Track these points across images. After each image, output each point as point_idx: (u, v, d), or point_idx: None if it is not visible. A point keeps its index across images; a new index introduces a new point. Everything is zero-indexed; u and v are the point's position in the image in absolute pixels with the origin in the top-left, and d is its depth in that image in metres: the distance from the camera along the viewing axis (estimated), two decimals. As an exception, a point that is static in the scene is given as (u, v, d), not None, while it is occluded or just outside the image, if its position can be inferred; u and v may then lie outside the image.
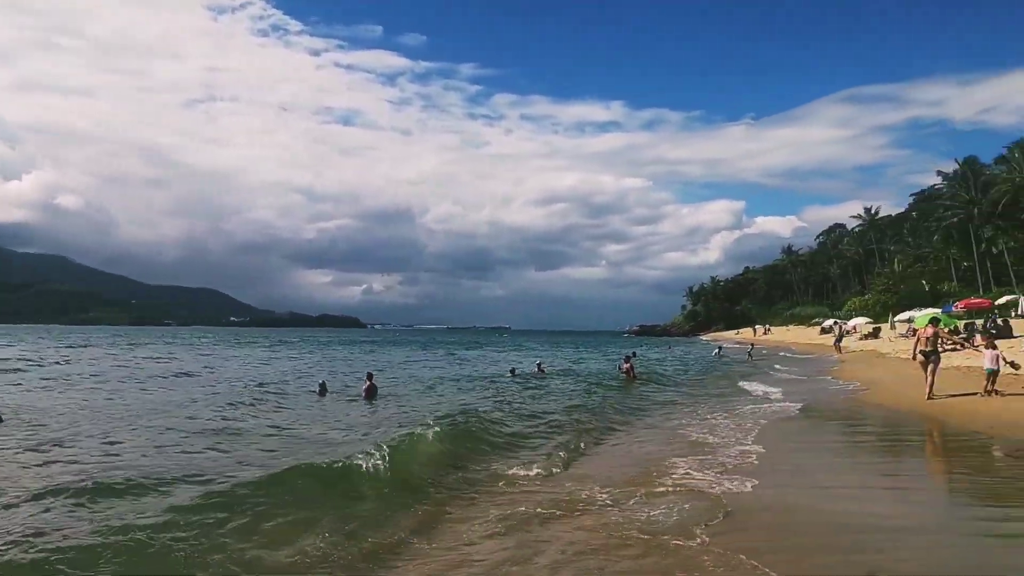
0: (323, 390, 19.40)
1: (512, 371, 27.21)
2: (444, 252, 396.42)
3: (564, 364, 36.49)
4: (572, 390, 21.35)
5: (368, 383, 18.79)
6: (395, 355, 46.96)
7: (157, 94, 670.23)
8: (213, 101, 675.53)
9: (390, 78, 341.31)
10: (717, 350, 47.88)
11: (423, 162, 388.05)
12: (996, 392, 15.43)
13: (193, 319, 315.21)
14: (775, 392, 20.07)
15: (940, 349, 16.81)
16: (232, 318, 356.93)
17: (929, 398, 15.84)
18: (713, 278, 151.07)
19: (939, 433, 12.53)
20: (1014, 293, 49.63)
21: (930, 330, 16.93)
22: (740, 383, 23.61)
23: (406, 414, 15.21)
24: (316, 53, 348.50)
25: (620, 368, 25.95)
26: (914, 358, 16.99)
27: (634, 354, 28.13)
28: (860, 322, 58.80)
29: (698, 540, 6.10)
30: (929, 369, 16.19)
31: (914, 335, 37.67)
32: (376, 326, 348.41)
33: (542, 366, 28.92)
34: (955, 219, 65.26)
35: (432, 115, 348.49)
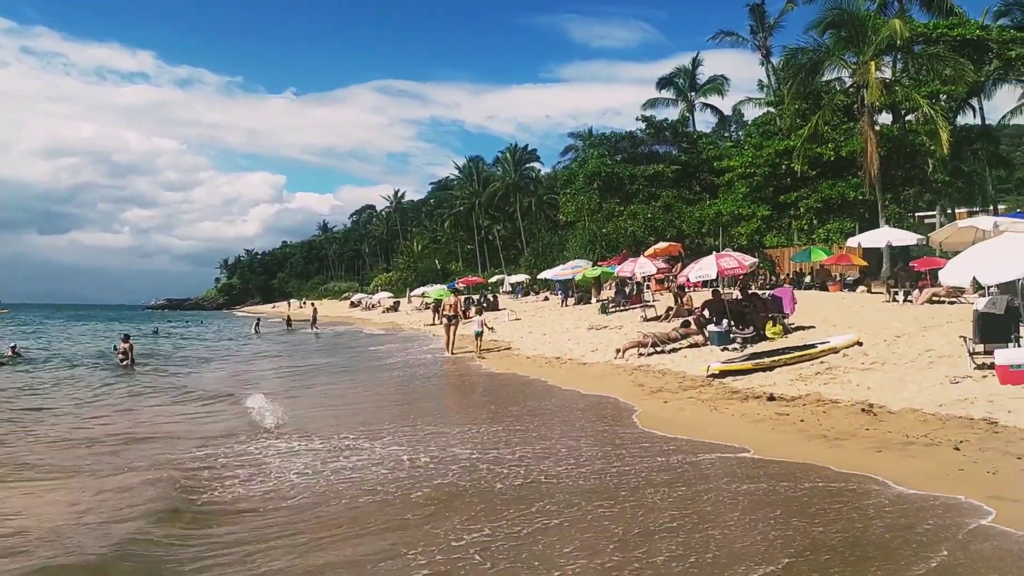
0: None
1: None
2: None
3: (59, 344, 31.73)
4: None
5: None
6: None
7: None
8: None
9: None
10: (256, 322, 47.24)
11: None
12: (481, 351, 19.67)
13: None
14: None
15: (459, 315, 21.77)
16: None
17: (451, 353, 20.43)
18: (249, 251, 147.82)
19: (452, 384, 14.50)
20: (502, 273, 60.04)
21: (453, 299, 22.62)
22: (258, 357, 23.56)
23: None
24: None
25: (117, 349, 22.34)
26: (438, 323, 21.80)
27: (155, 331, 25.66)
28: (383, 296, 64.03)
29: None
30: (452, 331, 20.86)
31: (427, 308, 43.07)
32: None
33: (16, 348, 24.47)
34: (462, 208, 75.91)
35: None
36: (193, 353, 28.31)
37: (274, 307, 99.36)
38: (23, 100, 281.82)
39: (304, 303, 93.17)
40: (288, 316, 53.13)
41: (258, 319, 50.98)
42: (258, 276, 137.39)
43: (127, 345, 21.60)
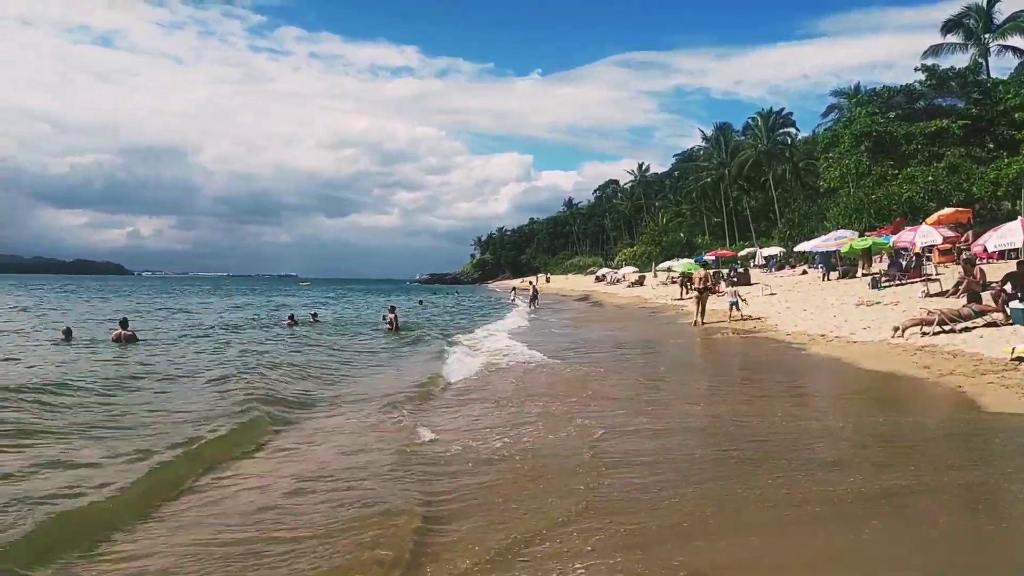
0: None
1: (291, 316, 27.00)
2: (224, 195, 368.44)
3: (345, 314, 36.86)
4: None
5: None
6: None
7: None
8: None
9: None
10: (512, 292, 50.60)
11: (197, 95, 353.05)
12: (735, 324, 20.32)
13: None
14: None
15: (709, 288, 22.20)
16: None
17: (700, 326, 20.80)
18: (500, 228, 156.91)
19: (703, 340, 14.44)
20: (753, 246, 57.12)
21: (703, 272, 23.28)
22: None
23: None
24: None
25: (384, 319, 25.72)
26: (690, 294, 24.84)
27: (422, 303, 28.78)
28: (628, 271, 64.25)
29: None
30: (701, 304, 21.41)
31: (673, 282, 42.55)
32: (144, 273, 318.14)
33: (317, 316, 29.19)
34: (708, 179, 73.19)
35: (209, 43, 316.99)
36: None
37: (523, 281, 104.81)
38: (311, 99, 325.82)
39: (548, 279, 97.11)
40: (535, 290, 55.91)
41: (514, 289, 54.72)
42: (508, 252, 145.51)
43: (393, 315, 25.02)
